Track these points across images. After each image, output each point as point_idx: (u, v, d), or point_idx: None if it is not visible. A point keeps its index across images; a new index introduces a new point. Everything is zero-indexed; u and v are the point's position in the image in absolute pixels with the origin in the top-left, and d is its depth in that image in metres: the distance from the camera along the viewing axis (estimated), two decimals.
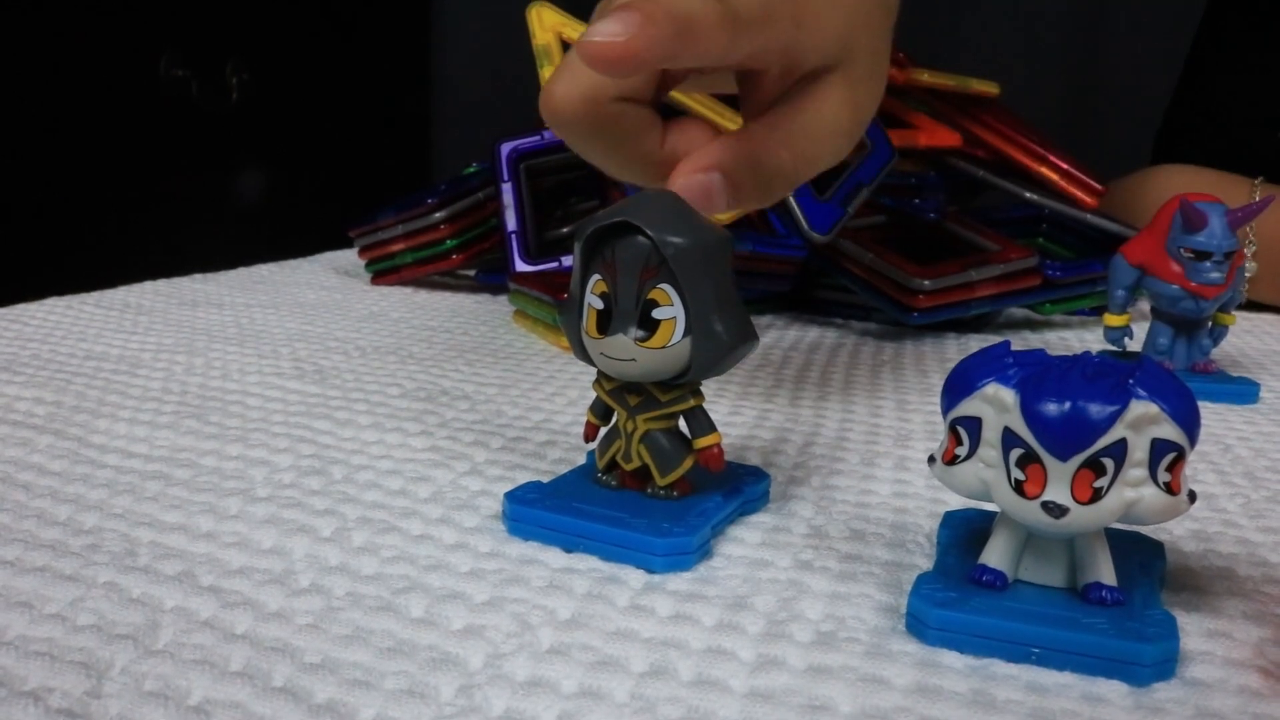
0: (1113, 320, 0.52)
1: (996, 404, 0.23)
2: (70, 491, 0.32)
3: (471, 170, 0.73)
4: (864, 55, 0.37)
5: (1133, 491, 0.23)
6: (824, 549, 0.29)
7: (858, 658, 0.23)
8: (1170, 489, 0.23)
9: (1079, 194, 0.69)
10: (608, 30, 0.27)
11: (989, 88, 0.70)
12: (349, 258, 0.81)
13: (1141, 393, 0.23)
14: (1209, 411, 0.45)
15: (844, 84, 0.36)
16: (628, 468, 0.30)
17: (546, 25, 0.53)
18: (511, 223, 0.61)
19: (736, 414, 0.42)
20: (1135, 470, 0.23)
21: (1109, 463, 0.23)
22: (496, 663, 0.22)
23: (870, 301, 0.60)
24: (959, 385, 0.24)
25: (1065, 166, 0.70)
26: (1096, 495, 0.23)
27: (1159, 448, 0.23)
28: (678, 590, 0.26)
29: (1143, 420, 0.23)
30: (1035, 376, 0.23)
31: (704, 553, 0.28)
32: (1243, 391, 0.49)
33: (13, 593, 0.25)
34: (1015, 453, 0.23)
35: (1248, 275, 0.72)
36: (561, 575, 0.27)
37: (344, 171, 1.63)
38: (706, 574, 0.27)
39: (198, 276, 0.73)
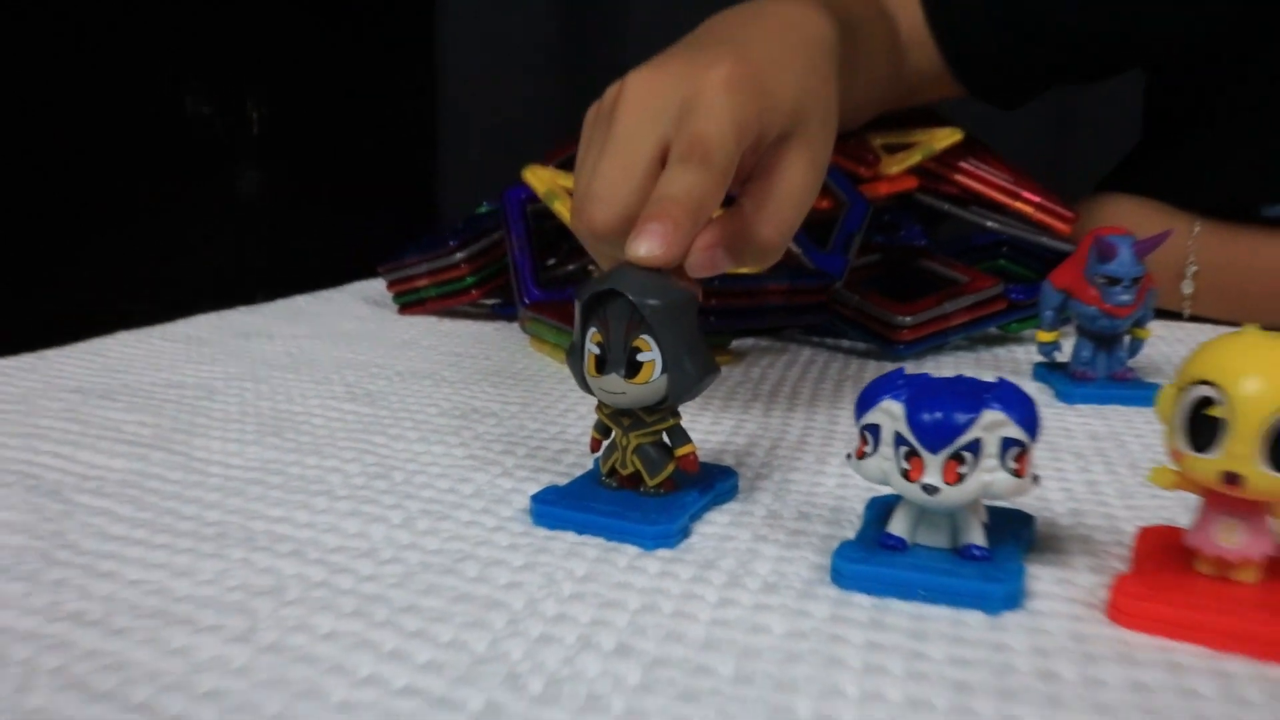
0: (1044, 336, 0.61)
1: (890, 414, 0.32)
2: (191, 495, 0.41)
3: (483, 210, 0.83)
4: (815, 118, 0.46)
5: (988, 475, 0.32)
6: (777, 527, 0.38)
7: (792, 599, 0.32)
8: (1017, 474, 0.32)
9: (1053, 223, 0.78)
10: (646, 253, 0.37)
11: (953, 136, 0.77)
12: (375, 288, 0.90)
13: (994, 404, 0.32)
14: (1118, 413, 0.55)
15: (803, 146, 0.45)
16: (624, 473, 0.39)
17: (542, 178, 0.65)
18: (521, 260, 0.70)
19: (717, 423, 0.51)
20: (989, 460, 0.32)
21: (968, 455, 0.32)
22: (532, 605, 0.31)
23: (860, 339, 0.68)
24: (865, 401, 0.33)
25: (1037, 200, 0.78)
26: (960, 479, 0.32)
27: (1006, 444, 0.32)
28: (663, 558, 0.35)
29: (993, 424, 0.32)
30: (917, 394, 0.32)
31: (684, 534, 0.37)
32: (1151, 395, 0.58)
33: (174, 566, 0.34)
34: (903, 449, 0.32)
35: (1186, 293, 0.81)
36: (576, 548, 0.36)
37: (359, 200, 1.71)
38: (685, 548, 0.36)
39: (243, 309, 0.82)
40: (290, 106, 1.64)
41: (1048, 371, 0.61)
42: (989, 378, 0.32)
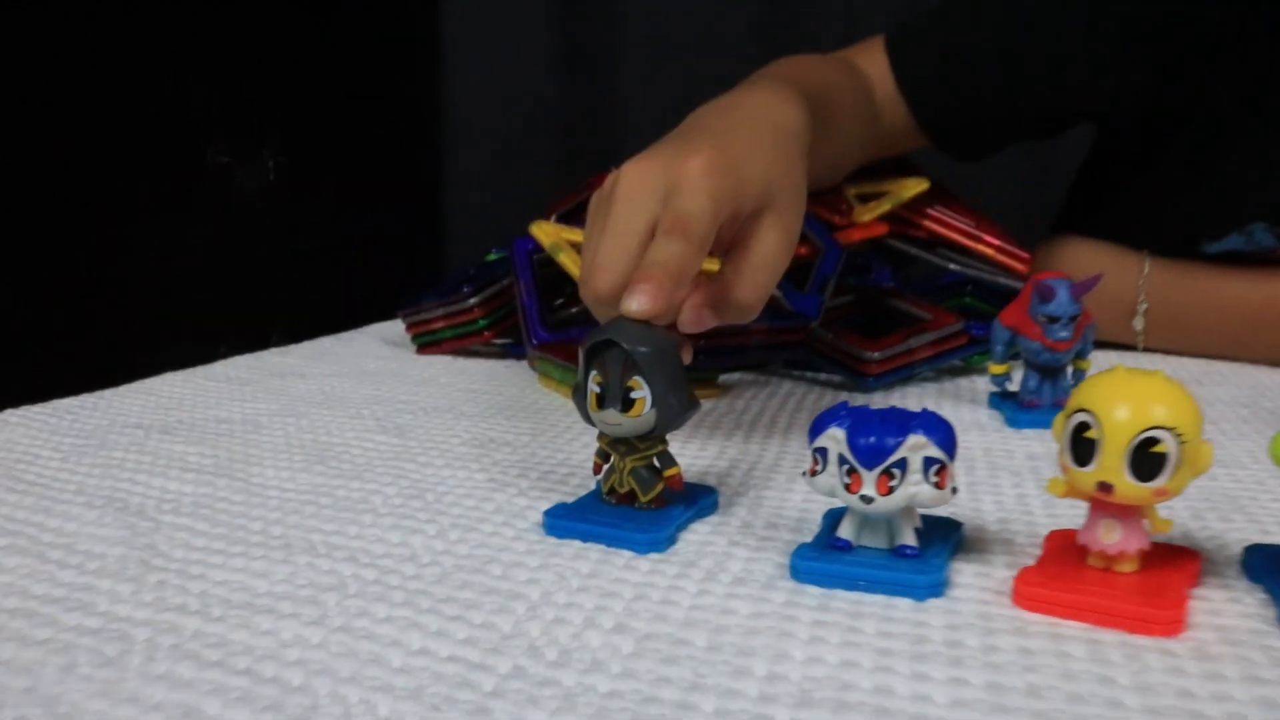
0: (995, 369, 0.69)
1: (835, 439, 0.40)
2: (255, 514, 0.49)
3: (492, 258, 0.91)
4: (784, 195, 0.55)
5: (914, 488, 0.39)
6: (748, 535, 0.46)
7: (756, 589, 0.40)
8: (938, 486, 0.40)
9: (1011, 263, 0.86)
10: (637, 309, 0.46)
11: (920, 186, 0.86)
12: (392, 329, 0.97)
13: (918, 430, 0.39)
14: (1048, 436, 0.62)
15: (774, 219, 0.54)
16: (621, 491, 0.47)
17: (548, 233, 0.74)
18: (529, 305, 0.78)
19: (703, 449, 0.59)
20: (914, 475, 0.39)
21: (897, 471, 0.39)
22: (547, 595, 0.39)
23: (834, 373, 0.76)
24: (815, 428, 0.41)
25: (997, 243, 0.86)
26: (891, 490, 0.39)
27: (928, 462, 0.39)
28: (653, 560, 0.43)
29: (916, 446, 0.39)
30: (856, 423, 0.40)
31: (670, 541, 0.45)
32: None
33: (251, 569, 0.42)
34: (845, 467, 0.40)
35: (1138, 329, 0.88)
36: (581, 552, 0.43)
37: (368, 247, 1.80)
38: (671, 552, 0.44)
39: (275, 350, 0.90)
40: (304, 157, 1.72)
41: (1000, 400, 0.69)
42: (949, 405, 0.40)
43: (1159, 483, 0.37)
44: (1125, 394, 0.37)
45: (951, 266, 0.86)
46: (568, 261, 0.72)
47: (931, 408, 0.40)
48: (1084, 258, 0.89)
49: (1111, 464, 0.37)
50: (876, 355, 0.73)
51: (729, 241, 0.53)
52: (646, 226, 0.49)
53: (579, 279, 0.52)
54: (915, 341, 0.75)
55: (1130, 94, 0.88)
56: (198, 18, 1.55)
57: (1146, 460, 0.37)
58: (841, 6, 1.52)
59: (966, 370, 0.80)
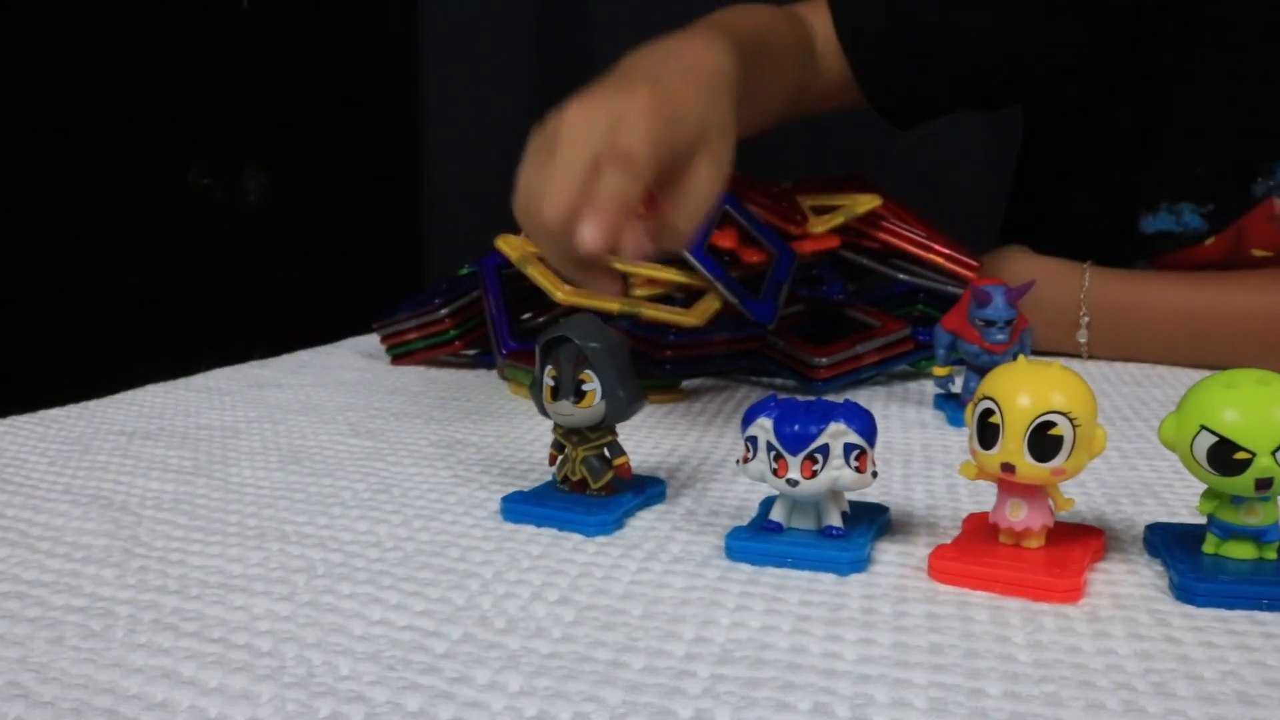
0: (938, 371, 0.72)
1: (763, 428, 0.44)
2: (233, 508, 0.52)
3: (465, 271, 0.94)
4: (716, 131, 0.61)
5: (835, 472, 0.43)
6: (691, 520, 0.49)
7: (692, 567, 0.43)
8: (859, 470, 0.43)
9: (961, 270, 0.90)
10: (590, 238, 0.52)
11: (874, 201, 0.90)
12: (368, 343, 1.01)
13: (839, 418, 0.43)
14: None
15: (706, 155, 0.59)
16: (574, 479, 0.50)
17: (515, 246, 0.78)
18: (499, 317, 0.81)
19: (657, 446, 0.62)
20: (836, 460, 0.43)
21: (820, 456, 0.43)
22: (499, 574, 0.42)
23: (786, 378, 0.80)
24: (746, 419, 0.44)
25: (947, 251, 0.90)
26: (814, 474, 0.43)
27: (849, 448, 0.43)
28: (599, 543, 0.46)
29: (837, 433, 0.43)
30: (782, 413, 0.43)
31: (618, 525, 0.48)
32: None
33: (227, 555, 0.45)
34: (773, 453, 0.43)
35: (1081, 341, 0.92)
36: (534, 536, 0.47)
37: (348, 264, 1.83)
38: (617, 536, 0.47)
39: (255, 363, 0.93)
40: (286, 177, 1.76)
41: (944, 401, 0.72)
42: (896, 406, 0.44)
43: (1056, 463, 0.40)
44: (1025, 382, 0.41)
45: (901, 276, 0.89)
46: (536, 274, 0.76)
47: (879, 408, 0.44)
48: (1025, 269, 0.93)
49: (1013, 446, 0.41)
50: (824, 361, 0.77)
51: (665, 178, 0.58)
52: (591, 162, 0.54)
53: (518, 208, 0.57)
54: (862, 348, 0.78)
55: (1060, 68, 0.94)
56: (180, 39, 1.59)
57: (1044, 442, 0.40)
58: None
59: (916, 374, 0.84)
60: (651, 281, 0.79)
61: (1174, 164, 0.92)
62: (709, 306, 0.75)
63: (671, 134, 0.57)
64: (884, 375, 0.82)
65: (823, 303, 0.85)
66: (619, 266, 0.74)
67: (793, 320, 0.83)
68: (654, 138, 0.55)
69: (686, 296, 0.77)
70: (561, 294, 0.74)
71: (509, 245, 0.80)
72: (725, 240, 0.80)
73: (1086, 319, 0.91)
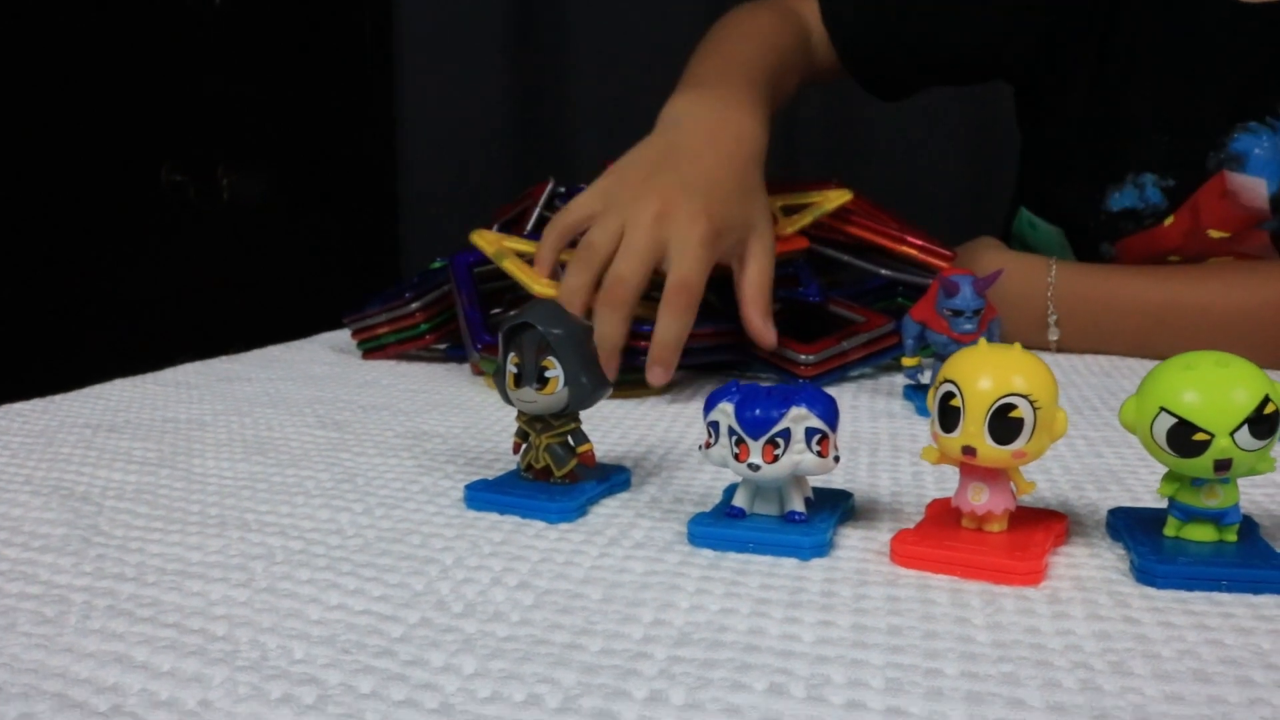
0: (907, 362, 0.72)
1: (725, 413, 0.43)
2: (195, 498, 0.52)
3: (437, 265, 0.94)
4: (759, 222, 0.73)
5: (797, 456, 0.43)
6: (655, 508, 0.49)
7: (653, 552, 0.43)
8: (821, 454, 0.43)
9: (935, 261, 0.90)
10: (659, 383, 0.68)
11: (844, 197, 0.90)
12: (340, 338, 1.00)
13: (800, 402, 0.43)
14: None
15: (756, 244, 0.72)
16: (538, 466, 0.50)
17: (490, 241, 0.77)
18: (471, 313, 0.80)
19: (625, 436, 0.62)
20: (797, 444, 0.43)
21: (781, 440, 0.42)
22: (459, 561, 0.42)
23: (770, 375, 0.79)
24: (708, 404, 0.44)
25: (920, 243, 0.90)
26: (776, 459, 0.43)
27: (810, 432, 0.43)
28: (562, 529, 0.46)
29: (798, 418, 0.43)
30: (744, 398, 0.43)
31: (581, 512, 0.48)
32: None
33: (186, 543, 0.45)
34: (734, 438, 0.43)
35: (1053, 339, 0.92)
36: (497, 524, 0.47)
37: (322, 258, 1.82)
38: (580, 523, 0.47)
39: (224, 358, 0.92)
40: (260, 174, 1.75)
41: (914, 391, 0.72)
42: (866, 397, 0.44)
43: (1017, 445, 0.40)
44: (985, 365, 0.41)
45: (883, 272, 0.89)
46: (513, 268, 0.75)
47: (848, 398, 0.44)
48: (994, 263, 0.93)
49: (973, 429, 0.41)
50: (811, 359, 0.76)
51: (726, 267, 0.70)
52: (645, 279, 0.69)
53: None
54: (848, 344, 0.78)
55: (1028, 41, 1.00)
56: (151, 38, 1.58)
57: (1004, 425, 0.40)
58: None
59: (897, 367, 0.84)
60: None
61: (1137, 134, 0.96)
62: None
63: (723, 250, 0.72)
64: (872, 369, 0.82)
65: (800, 306, 0.84)
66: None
67: (775, 316, 0.83)
68: (709, 263, 0.70)
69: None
70: (539, 286, 0.74)
71: (484, 240, 0.79)
72: None
73: (1054, 316, 0.91)
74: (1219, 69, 0.91)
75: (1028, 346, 0.42)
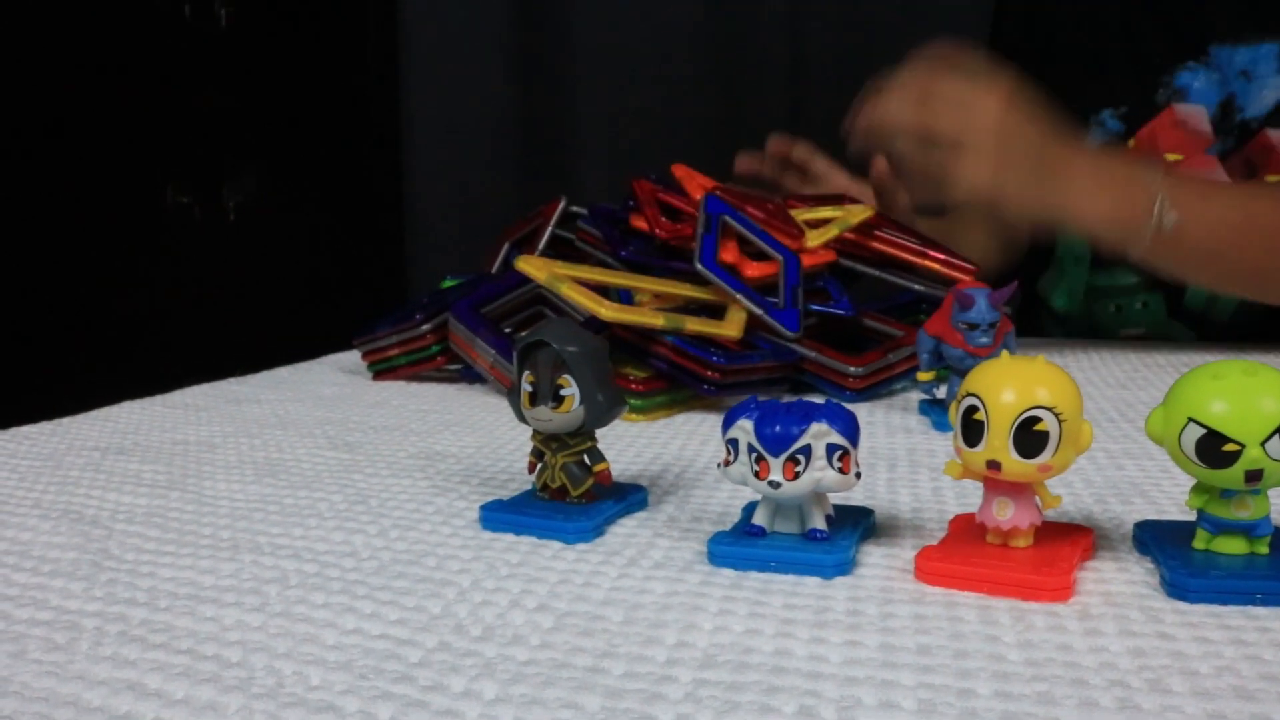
0: (923, 376, 0.72)
1: (744, 430, 0.43)
2: (206, 521, 0.51)
3: (448, 284, 0.93)
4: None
5: (818, 473, 0.42)
6: (673, 527, 0.48)
7: (673, 572, 0.42)
8: (842, 471, 0.42)
9: (958, 275, 0.89)
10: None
11: (866, 212, 0.90)
12: (349, 359, 1.00)
13: (820, 419, 0.42)
14: None
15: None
16: (554, 486, 0.49)
17: (538, 267, 0.75)
18: (499, 346, 0.78)
19: (640, 455, 0.61)
20: (819, 461, 0.42)
21: (801, 458, 0.42)
22: (476, 583, 0.41)
23: (817, 387, 0.79)
24: (727, 421, 0.44)
25: (943, 256, 0.90)
26: (797, 476, 0.42)
27: (831, 448, 0.42)
28: (579, 550, 0.45)
29: (819, 434, 0.42)
30: (763, 414, 0.43)
31: (598, 532, 0.47)
32: None
33: (199, 567, 0.44)
34: (754, 455, 0.42)
35: (1168, 223, 0.91)
36: (513, 544, 0.46)
37: (328, 278, 1.82)
38: (598, 543, 0.46)
39: (233, 380, 0.92)
40: (265, 194, 1.75)
41: (929, 406, 0.72)
42: (881, 412, 0.43)
43: (1042, 459, 0.40)
44: (1009, 378, 0.40)
45: (917, 287, 0.89)
46: (573, 293, 0.71)
47: (864, 414, 0.43)
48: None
49: (998, 443, 0.40)
50: (861, 371, 0.76)
51: None
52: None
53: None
54: (894, 357, 0.79)
55: None
56: (157, 57, 1.58)
57: (1029, 438, 0.40)
58: (785, 16, 1.57)
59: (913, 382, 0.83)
60: (659, 296, 0.78)
61: (1096, 72, 1.08)
62: (739, 316, 0.75)
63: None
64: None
65: (833, 320, 0.84)
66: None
67: (810, 331, 0.82)
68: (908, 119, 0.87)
69: (700, 310, 0.77)
70: (605, 311, 0.71)
71: (532, 266, 0.75)
72: (726, 255, 0.80)
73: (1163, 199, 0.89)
74: (1164, 8, 1.07)
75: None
